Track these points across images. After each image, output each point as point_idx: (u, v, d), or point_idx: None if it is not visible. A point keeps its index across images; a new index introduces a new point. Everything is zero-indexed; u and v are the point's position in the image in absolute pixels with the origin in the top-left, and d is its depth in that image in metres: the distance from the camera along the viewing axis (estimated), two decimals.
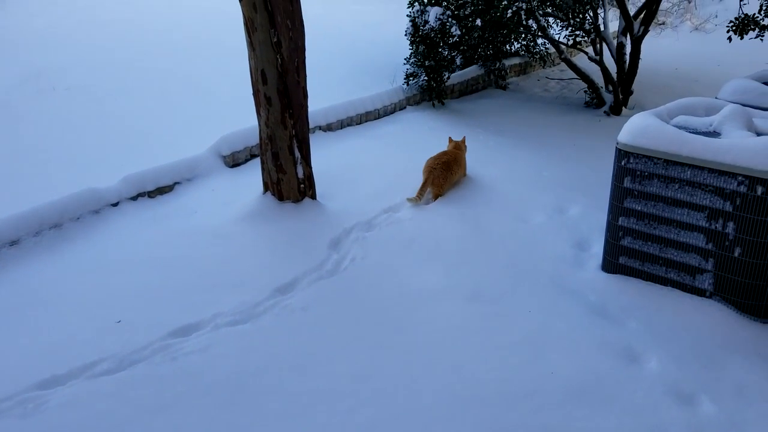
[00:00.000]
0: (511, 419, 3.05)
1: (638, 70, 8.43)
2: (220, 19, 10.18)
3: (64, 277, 4.28)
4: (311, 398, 3.20)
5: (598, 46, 8.60)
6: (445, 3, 8.05)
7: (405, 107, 8.16)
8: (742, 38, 7.47)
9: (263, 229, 4.87)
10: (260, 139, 5.12)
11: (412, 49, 8.10)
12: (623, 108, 8.38)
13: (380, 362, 3.46)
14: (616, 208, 4.18)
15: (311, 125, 6.39)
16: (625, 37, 8.34)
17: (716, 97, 5.10)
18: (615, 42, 8.43)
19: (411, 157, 6.17)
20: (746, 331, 3.70)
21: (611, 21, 9.89)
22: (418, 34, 7.97)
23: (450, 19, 7.87)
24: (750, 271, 3.73)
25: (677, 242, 3.96)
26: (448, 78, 8.37)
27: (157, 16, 10.61)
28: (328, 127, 7.14)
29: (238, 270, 4.34)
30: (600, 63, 8.44)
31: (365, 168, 6.05)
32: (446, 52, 8.20)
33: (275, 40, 4.74)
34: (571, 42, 8.64)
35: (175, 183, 5.67)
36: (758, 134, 4.00)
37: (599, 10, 8.48)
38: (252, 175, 5.72)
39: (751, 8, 8.01)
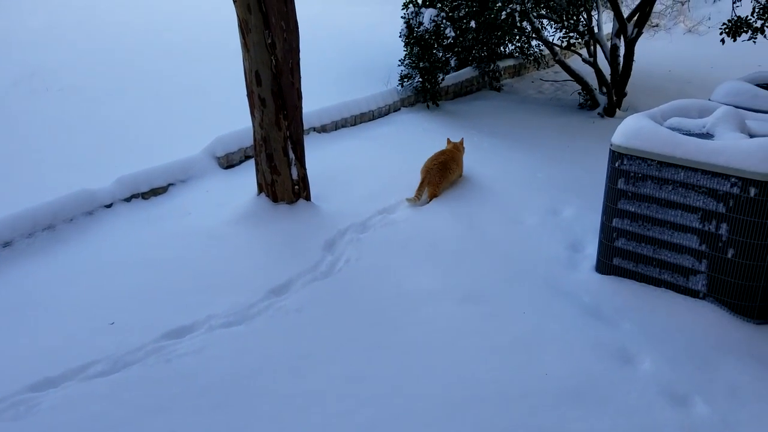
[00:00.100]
0: (505, 421, 3.05)
1: (632, 72, 8.46)
2: (215, 21, 10.15)
3: (58, 278, 4.27)
4: (306, 400, 3.20)
5: (591, 48, 8.63)
6: (439, 5, 8.07)
7: (399, 109, 8.17)
8: (735, 40, 7.50)
9: (257, 231, 4.86)
10: (254, 140, 5.12)
11: (406, 50, 8.11)
12: (617, 110, 8.41)
13: (375, 364, 3.46)
14: (610, 210, 4.19)
15: (305, 126, 6.38)
16: (619, 39, 8.37)
17: (709, 99, 5.12)
18: (609, 44, 8.46)
19: (405, 159, 6.18)
20: (739, 332, 3.71)
21: (605, 23, 9.90)
22: (412, 35, 7.98)
23: (444, 21, 7.88)
24: (743, 272, 3.74)
25: (671, 243, 3.98)
26: (443, 79, 8.39)
27: (151, 17, 10.58)
28: (323, 129, 7.13)
29: (233, 271, 4.34)
30: (594, 65, 8.47)
31: (360, 169, 6.05)
32: (441, 54, 8.21)
33: (269, 41, 4.74)
34: (565, 44, 8.67)
35: (169, 184, 5.65)
36: (751, 136, 4.01)
37: (593, 12, 8.51)
38: (246, 176, 5.71)
39: (744, 11, 8.04)
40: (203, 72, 8.24)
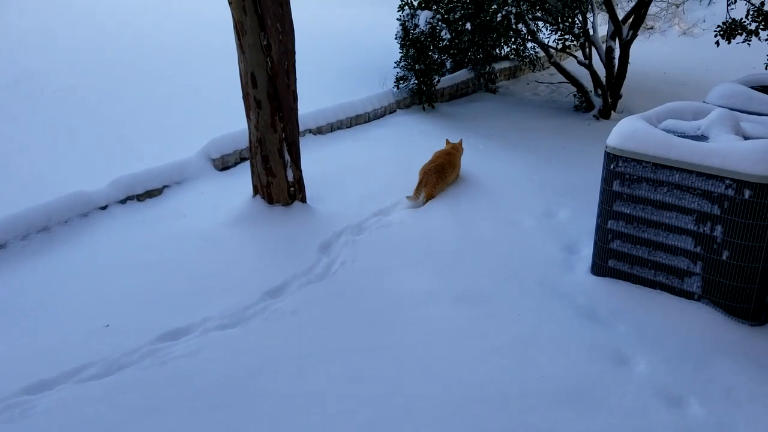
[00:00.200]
0: (501, 422, 3.06)
1: (627, 74, 8.48)
2: (210, 22, 10.15)
3: (52, 280, 4.25)
4: (302, 401, 3.19)
5: (587, 50, 8.65)
6: (435, 7, 8.07)
7: (395, 110, 8.17)
8: (729, 43, 7.52)
9: (253, 233, 4.85)
10: (250, 142, 5.11)
11: (402, 52, 8.12)
12: (612, 112, 8.43)
13: (371, 365, 3.46)
14: (605, 212, 4.20)
15: (301, 128, 6.37)
16: (614, 41, 8.39)
17: (704, 101, 5.13)
18: (604, 46, 8.48)
19: (401, 161, 6.18)
20: (734, 334, 3.72)
21: (600, 25, 9.93)
22: (408, 37, 7.98)
23: (440, 23, 7.89)
24: (738, 274, 3.75)
25: (666, 245, 3.98)
26: (438, 81, 8.39)
27: (146, 20, 10.56)
28: (318, 131, 7.13)
29: (228, 273, 4.33)
30: (589, 67, 8.48)
31: (355, 171, 6.05)
32: (436, 56, 8.22)
33: (265, 43, 4.73)
34: (560, 46, 8.68)
35: (165, 186, 5.64)
36: (745, 138, 4.03)
37: (588, 15, 8.53)
38: (241, 178, 5.70)
39: (739, 13, 8.08)
40: (198, 74, 8.23)
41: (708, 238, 3.80)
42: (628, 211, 4.08)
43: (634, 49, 8.67)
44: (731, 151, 3.64)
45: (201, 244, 4.67)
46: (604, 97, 8.28)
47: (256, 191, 5.23)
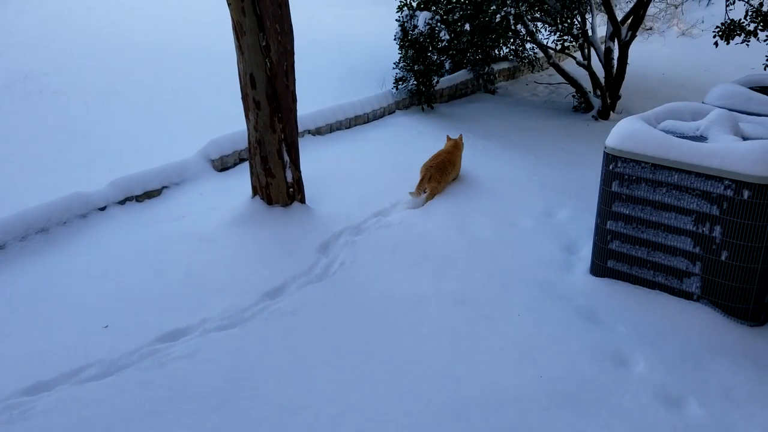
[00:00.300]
0: (500, 423, 3.06)
1: (626, 75, 8.49)
2: (209, 23, 10.15)
3: (51, 282, 4.24)
4: (301, 402, 3.19)
5: (586, 50, 8.65)
6: (434, 8, 8.07)
7: (394, 111, 8.17)
8: (728, 43, 7.54)
9: (252, 234, 4.85)
10: (249, 143, 5.11)
11: (401, 53, 8.12)
12: (611, 112, 8.43)
13: (370, 366, 3.46)
14: (604, 212, 4.20)
15: (300, 129, 6.38)
16: (613, 42, 8.40)
17: (703, 102, 5.14)
18: (603, 47, 8.48)
19: (400, 161, 6.18)
20: (733, 334, 3.72)
21: (599, 26, 9.94)
22: (407, 38, 7.98)
23: (439, 24, 7.89)
24: (737, 274, 3.75)
25: (665, 246, 3.99)
26: (437, 82, 8.39)
27: (145, 20, 10.57)
28: (318, 131, 7.13)
29: (227, 274, 4.33)
30: (588, 68, 8.49)
31: (354, 172, 6.04)
32: (435, 57, 8.22)
33: (264, 44, 4.73)
34: (559, 47, 8.68)
35: (163, 187, 5.64)
36: (744, 138, 4.03)
37: (587, 16, 8.53)
38: (241, 179, 5.70)
39: (737, 14, 8.08)
40: (198, 74, 8.23)
41: (707, 239, 3.80)
42: (627, 212, 4.08)
43: (633, 49, 8.68)
44: (730, 151, 3.64)
45: (200, 244, 4.67)
46: (603, 98, 8.29)
47: (255, 192, 5.23)
